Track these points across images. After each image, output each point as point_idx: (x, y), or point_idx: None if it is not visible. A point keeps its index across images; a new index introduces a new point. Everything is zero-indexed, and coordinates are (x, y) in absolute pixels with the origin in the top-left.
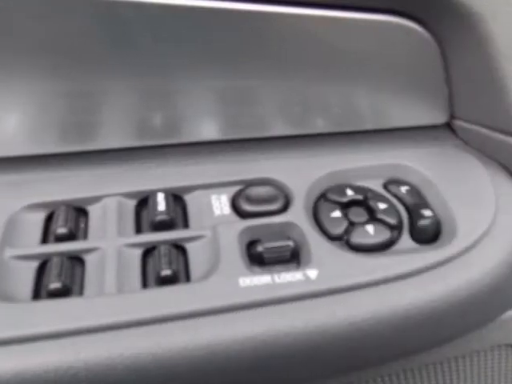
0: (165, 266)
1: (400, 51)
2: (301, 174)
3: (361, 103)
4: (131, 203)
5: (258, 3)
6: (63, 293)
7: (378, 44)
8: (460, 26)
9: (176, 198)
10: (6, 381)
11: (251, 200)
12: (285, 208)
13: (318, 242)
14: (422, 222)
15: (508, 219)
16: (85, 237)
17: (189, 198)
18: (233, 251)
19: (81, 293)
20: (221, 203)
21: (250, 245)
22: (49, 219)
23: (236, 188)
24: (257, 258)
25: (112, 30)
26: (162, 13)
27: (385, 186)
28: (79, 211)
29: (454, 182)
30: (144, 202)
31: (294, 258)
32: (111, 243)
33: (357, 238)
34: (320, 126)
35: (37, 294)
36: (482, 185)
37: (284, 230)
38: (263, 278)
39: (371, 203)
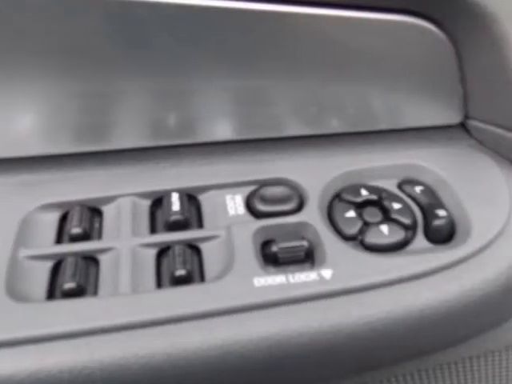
0: (179, 266)
1: (415, 51)
2: (315, 173)
3: (375, 103)
4: (145, 203)
5: (272, 3)
6: (77, 293)
7: (393, 44)
8: (474, 26)
9: (190, 198)
10: (21, 380)
11: (266, 200)
12: (299, 208)
13: (332, 242)
14: (437, 222)
15: None
16: (99, 237)
17: (203, 198)
18: (247, 251)
19: (95, 293)
20: (235, 203)
21: (265, 245)
22: (63, 219)
23: (250, 188)
24: (271, 258)
25: (126, 30)
26: (176, 13)
27: (399, 186)
28: (93, 211)
29: (469, 181)
30: (158, 202)
31: (308, 257)
32: (126, 243)
33: (371, 238)
34: (334, 126)
35: (51, 294)
36: (496, 185)
37: (298, 230)
38: (277, 278)
39: (386, 203)
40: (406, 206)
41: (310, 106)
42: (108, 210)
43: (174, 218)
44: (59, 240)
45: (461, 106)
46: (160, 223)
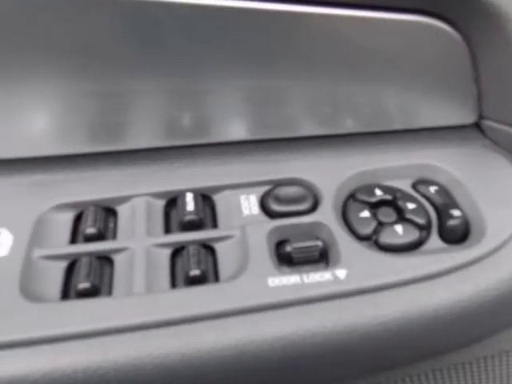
0: (194, 266)
1: (429, 51)
2: (330, 173)
3: (390, 103)
4: (160, 203)
5: (287, 3)
6: (92, 293)
7: (407, 44)
8: (489, 26)
9: (205, 198)
10: (35, 380)
11: (280, 200)
12: (313, 208)
13: (346, 242)
14: (451, 222)
15: None
16: (114, 237)
17: (218, 198)
18: (261, 251)
19: (110, 293)
20: (250, 203)
21: (279, 245)
22: (78, 219)
23: (265, 188)
24: (285, 258)
25: (141, 30)
26: (191, 13)
27: (414, 186)
28: (108, 211)
29: (483, 181)
30: (173, 202)
31: (322, 257)
32: (140, 243)
33: (386, 238)
34: (349, 126)
35: (65, 294)
36: (510, 184)
37: (313, 230)
38: (292, 278)
39: (400, 203)
40: (420, 205)
41: (324, 106)
42: (122, 210)
43: (188, 217)
44: (74, 240)
45: (475, 106)
46: (174, 223)
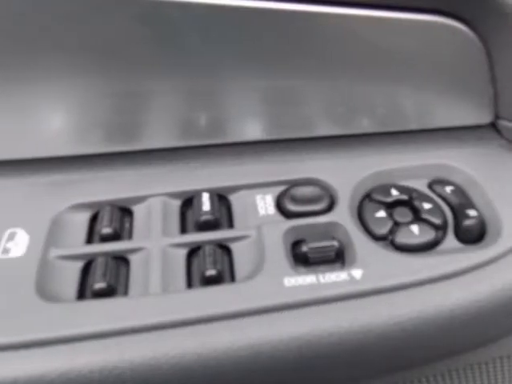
0: (209, 266)
1: (445, 51)
2: (345, 174)
3: (406, 103)
4: (176, 203)
5: (303, 3)
6: (108, 293)
7: (423, 44)
8: (505, 26)
9: (221, 198)
10: (51, 380)
11: (296, 200)
12: (329, 208)
13: (362, 242)
14: (467, 222)
15: None
16: (129, 237)
17: (233, 198)
18: (277, 251)
19: (125, 293)
20: (265, 203)
21: (295, 245)
22: (93, 219)
23: (281, 188)
24: (301, 258)
25: (158, 30)
26: (207, 13)
27: (429, 186)
28: (124, 211)
29: (499, 181)
30: (189, 202)
31: (338, 258)
32: (156, 243)
33: (401, 238)
34: (365, 126)
35: (81, 294)
36: None
37: (329, 230)
38: (308, 278)
39: (416, 203)
40: (436, 205)
41: (340, 106)
42: (138, 210)
43: (204, 217)
44: (90, 240)
45: (491, 106)
46: (190, 223)
